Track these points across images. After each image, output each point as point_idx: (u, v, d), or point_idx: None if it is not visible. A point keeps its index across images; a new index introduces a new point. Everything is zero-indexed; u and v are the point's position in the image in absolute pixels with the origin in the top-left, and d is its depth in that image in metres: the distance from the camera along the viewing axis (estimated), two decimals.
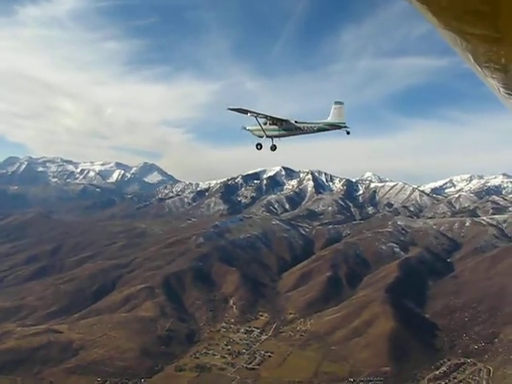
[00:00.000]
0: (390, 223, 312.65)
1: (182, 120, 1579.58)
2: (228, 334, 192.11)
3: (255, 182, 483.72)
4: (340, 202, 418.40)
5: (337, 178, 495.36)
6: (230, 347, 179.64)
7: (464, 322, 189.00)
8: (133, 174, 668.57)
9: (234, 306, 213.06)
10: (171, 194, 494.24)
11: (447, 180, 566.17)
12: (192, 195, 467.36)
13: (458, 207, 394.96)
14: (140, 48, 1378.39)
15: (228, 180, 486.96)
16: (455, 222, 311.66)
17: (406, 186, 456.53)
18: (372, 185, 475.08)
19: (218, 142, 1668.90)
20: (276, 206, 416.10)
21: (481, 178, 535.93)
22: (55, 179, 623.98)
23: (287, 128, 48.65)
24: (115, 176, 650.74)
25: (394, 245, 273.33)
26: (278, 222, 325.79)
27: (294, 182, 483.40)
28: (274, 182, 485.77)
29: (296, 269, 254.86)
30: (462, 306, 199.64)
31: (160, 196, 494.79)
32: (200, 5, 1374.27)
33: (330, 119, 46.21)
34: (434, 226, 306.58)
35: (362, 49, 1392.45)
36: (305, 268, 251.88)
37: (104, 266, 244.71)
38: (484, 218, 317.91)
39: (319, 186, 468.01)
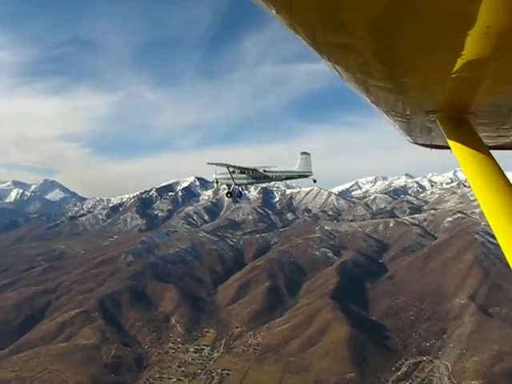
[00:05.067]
0: (317, 228, 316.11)
1: (79, 134, 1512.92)
2: (178, 354, 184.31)
3: (170, 194, 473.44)
4: (259, 210, 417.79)
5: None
6: (183, 369, 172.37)
7: (411, 321, 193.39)
8: (33, 191, 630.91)
9: (178, 325, 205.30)
10: (82, 212, 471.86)
11: (353, 183, 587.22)
12: (105, 211, 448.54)
13: (375, 209, 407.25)
14: (31, 59, 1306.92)
15: (142, 193, 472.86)
16: (379, 223, 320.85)
17: (322, 190, 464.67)
18: (288, 191, 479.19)
19: (120, 155, 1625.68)
20: (195, 218, 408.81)
21: (385, 179, 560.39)
22: None
23: (256, 176, 51.07)
24: (13, 195, 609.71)
25: (327, 250, 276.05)
26: (205, 234, 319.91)
27: (209, 193, 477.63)
28: (190, 193, 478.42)
29: (231, 281, 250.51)
30: (406, 306, 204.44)
31: (70, 214, 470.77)
32: (96, 14, 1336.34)
33: (297, 168, 48.70)
34: (360, 229, 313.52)
35: (262, 56, 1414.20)
36: (241, 280, 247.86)
37: (28, 293, 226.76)
38: (406, 218, 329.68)
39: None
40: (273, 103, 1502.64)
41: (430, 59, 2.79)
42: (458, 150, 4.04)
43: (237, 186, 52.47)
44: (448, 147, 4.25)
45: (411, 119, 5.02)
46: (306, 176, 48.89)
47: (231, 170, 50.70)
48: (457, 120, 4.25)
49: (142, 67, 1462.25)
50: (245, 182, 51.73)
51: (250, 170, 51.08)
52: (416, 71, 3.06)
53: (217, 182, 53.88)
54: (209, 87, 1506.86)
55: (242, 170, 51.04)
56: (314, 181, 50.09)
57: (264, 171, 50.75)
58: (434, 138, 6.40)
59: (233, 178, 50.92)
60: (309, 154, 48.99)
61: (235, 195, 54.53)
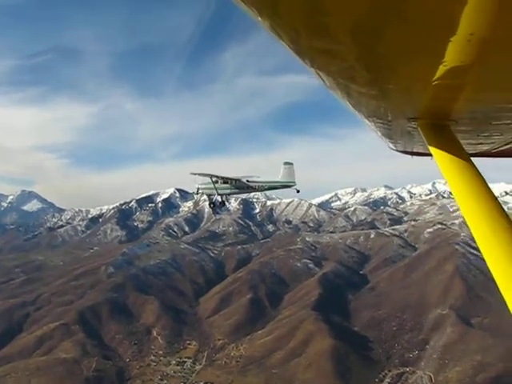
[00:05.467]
0: (298, 240, 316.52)
1: (57, 145, 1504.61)
2: (159, 367, 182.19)
3: (150, 205, 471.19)
4: (239, 221, 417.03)
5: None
6: (165, 382, 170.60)
7: (393, 332, 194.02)
8: (10, 202, 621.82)
9: (159, 337, 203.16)
10: (61, 223, 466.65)
11: (333, 194, 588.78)
12: (85, 223, 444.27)
13: (355, 220, 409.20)
14: (8, 69, 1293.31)
15: (121, 205, 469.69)
16: (360, 234, 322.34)
17: (303, 201, 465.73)
18: (268, 202, 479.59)
19: (99, 166, 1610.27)
20: (175, 229, 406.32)
21: (364, 190, 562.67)
22: None
23: (239, 186, 51.17)
24: None
25: (308, 261, 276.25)
26: (186, 245, 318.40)
27: (189, 204, 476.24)
28: (170, 205, 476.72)
29: (213, 293, 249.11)
30: (387, 317, 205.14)
31: (49, 225, 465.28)
32: (76, 23, 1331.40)
33: (280, 178, 48.94)
34: (341, 240, 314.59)
35: (243, 67, 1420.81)
36: (222, 291, 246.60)
37: (6, 306, 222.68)
38: (386, 229, 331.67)
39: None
40: (252, 114, 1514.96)
41: (412, 65, 2.82)
42: (439, 157, 4.02)
43: (219, 197, 52.69)
44: (429, 154, 4.26)
45: (393, 125, 4.98)
46: (289, 186, 49.01)
47: (214, 179, 50.80)
48: (438, 127, 4.24)
49: (122, 78, 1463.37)
50: (228, 191, 51.92)
51: (234, 180, 51.27)
52: (398, 77, 3.08)
53: (198, 193, 54.75)
54: (189, 98, 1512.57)
55: (225, 180, 51.23)
56: (298, 191, 49.60)
57: (247, 181, 50.87)
58: (415, 144, 6.38)
59: (216, 188, 51.00)
60: (292, 163, 49.29)
61: (218, 205, 54.84)
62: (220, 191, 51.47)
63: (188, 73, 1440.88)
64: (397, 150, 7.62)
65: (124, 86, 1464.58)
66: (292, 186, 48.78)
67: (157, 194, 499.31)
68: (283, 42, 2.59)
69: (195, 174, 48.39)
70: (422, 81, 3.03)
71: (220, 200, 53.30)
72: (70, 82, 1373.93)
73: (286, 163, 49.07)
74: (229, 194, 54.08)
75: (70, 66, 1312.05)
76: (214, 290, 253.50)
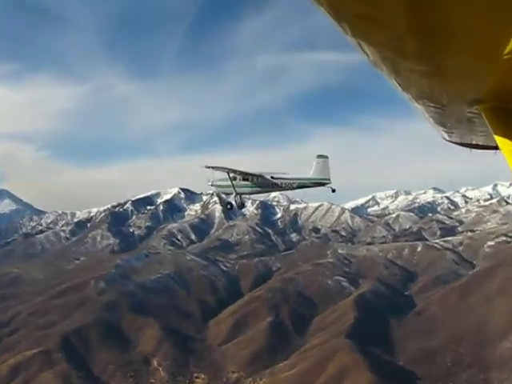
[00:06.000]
0: (329, 252, 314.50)
1: (35, 133, 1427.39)
2: None
3: (149, 207, 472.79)
4: (257, 228, 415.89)
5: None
6: None
7: (447, 368, 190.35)
8: None
9: (160, 368, 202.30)
10: (40, 228, 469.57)
11: (369, 197, 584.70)
12: (69, 228, 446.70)
13: (398, 229, 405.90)
14: None
15: (114, 207, 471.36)
16: (404, 247, 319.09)
17: (333, 206, 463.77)
18: (292, 206, 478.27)
19: (87, 159, 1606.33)
20: (180, 237, 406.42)
21: (408, 193, 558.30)
22: None
23: (262, 184, 50.83)
24: None
25: (341, 278, 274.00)
26: (192, 256, 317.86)
27: (196, 207, 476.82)
28: (173, 208, 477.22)
29: (225, 315, 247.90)
30: (440, 349, 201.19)
31: (25, 230, 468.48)
32: None
33: (312, 174, 48.52)
34: (380, 253, 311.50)
35: (263, 41, 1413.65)
36: (237, 313, 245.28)
37: None
38: (437, 241, 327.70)
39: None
40: (272, 100, 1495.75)
41: (478, 36, 2.70)
42: (507, 149, 3.82)
43: (237, 197, 52.06)
44: (493, 147, 4.27)
45: (448, 110, 4.79)
46: (323, 184, 48.61)
47: (232, 175, 50.35)
48: (507, 112, 3.97)
49: (115, 53, 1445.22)
50: (248, 190, 51.55)
51: (255, 176, 50.83)
52: (459, 49, 2.97)
53: (213, 193, 56.36)
54: (195, 80, 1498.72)
55: (245, 177, 50.91)
56: (333, 190, 49.55)
57: (272, 178, 50.15)
58: (475, 134, 5.83)
59: (233, 186, 50.33)
60: (327, 157, 48.63)
61: (236, 207, 54.49)
62: (238, 190, 50.80)
63: (194, 48, 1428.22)
64: (451, 142, 6.85)
65: (117, 63, 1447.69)
66: (327, 183, 48.33)
67: (157, 195, 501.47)
68: (321, 6, 2.58)
69: (208, 168, 47.69)
70: (489, 54, 2.92)
71: (239, 201, 52.47)
72: (51, 56, 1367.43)
73: (319, 156, 48.28)
74: (249, 194, 53.77)
75: (53, 38, 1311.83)
76: (226, 311, 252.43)
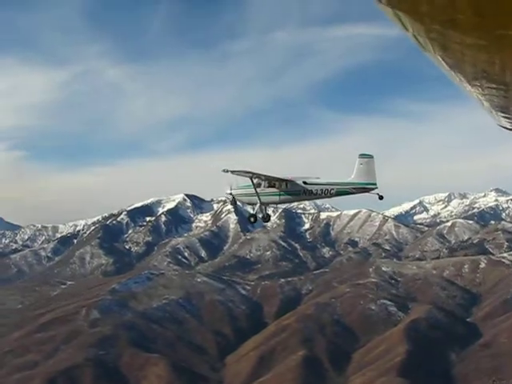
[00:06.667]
0: (370, 270, 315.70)
1: (5, 130, 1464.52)
2: None
3: (148, 219, 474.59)
4: (281, 242, 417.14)
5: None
6: None
7: None
8: None
9: None
10: (15, 246, 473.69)
11: (416, 202, 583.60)
12: (51, 245, 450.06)
13: (454, 241, 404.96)
14: None
15: (106, 219, 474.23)
16: (464, 262, 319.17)
17: (373, 213, 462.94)
18: (322, 215, 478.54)
19: (70, 161, 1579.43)
20: (187, 255, 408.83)
21: (464, 196, 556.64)
22: None
23: (292, 191, 49.71)
24: None
25: (387, 302, 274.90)
26: (203, 278, 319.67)
27: (206, 217, 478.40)
28: (177, 218, 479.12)
29: (246, 349, 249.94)
30: None
31: None
32: None
33: (353, 178, 48.03)
34: (434, 271, 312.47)
35: (279, 15, 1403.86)
36: (261, 347, 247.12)
37: None
38: (504, 254, 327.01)
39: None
40: (293, 85, 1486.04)
41: None
42: None
43: (263, 207, 51.07)
44: None
45: (511, 91, 4.69)
46: (367, 190, 48.03)
47: (256, 181, 49.16)
48: None
49: (102, 31, 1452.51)
50: (276, 199, 50.40)
51: (284, 181, 49.49)
52: None
53: (234, 201, 53.39)
54: (200, 63, 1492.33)
55: (272, 182, 49.60)
56: (381, 197, 48.76)
57: (304, 183, 49.15)
58: None
59: (258, 194, 49.27)
60: (372, 156, 48.13)
61: (262, 219, 53.49)
62: (264, 198, 49.70)
63: (197, 24, 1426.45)
64: None
65: (105, 43, 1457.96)
66: (372, 189, 47.77)
67: (158, 203, 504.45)
68: None
69: (227, 172, 46.26)
70: None
71: (265, 212, 51.78)
72: (23, 35, 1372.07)
73: (362, 156, 47.68)
74: (277, 203, 52.88)
75: (19, 11, 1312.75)
76: (247, 344, 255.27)
